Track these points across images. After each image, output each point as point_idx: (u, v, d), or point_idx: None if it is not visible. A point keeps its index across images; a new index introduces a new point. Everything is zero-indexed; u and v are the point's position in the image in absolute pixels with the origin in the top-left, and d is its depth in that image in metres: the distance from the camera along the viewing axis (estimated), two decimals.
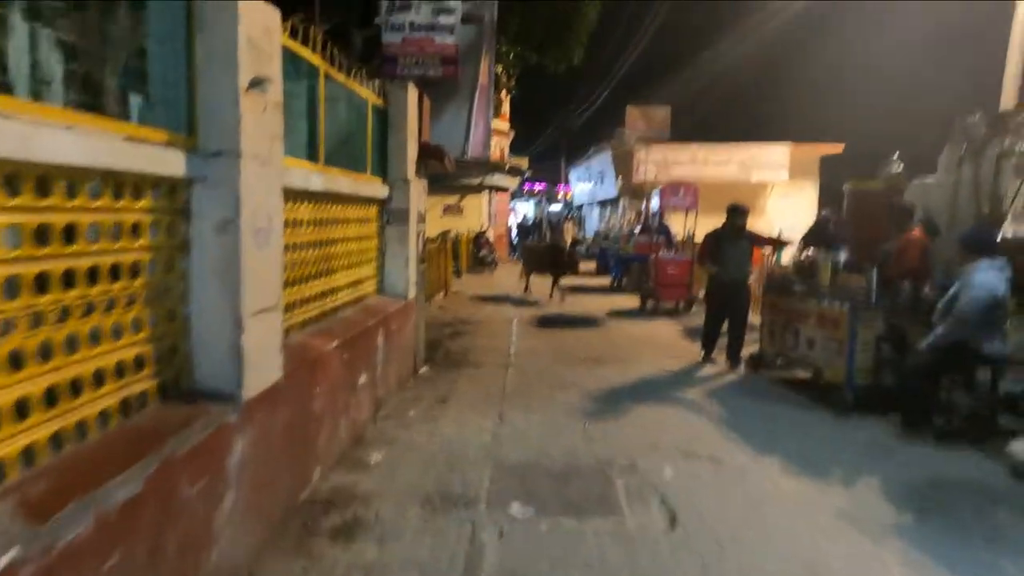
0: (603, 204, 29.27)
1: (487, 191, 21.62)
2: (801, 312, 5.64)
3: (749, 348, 6.64)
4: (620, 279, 14.01)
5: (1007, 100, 10.64)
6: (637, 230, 15.27)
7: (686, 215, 11.29)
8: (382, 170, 5.31)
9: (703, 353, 6.54)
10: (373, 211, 5.17)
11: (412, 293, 5.71)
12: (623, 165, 23.41)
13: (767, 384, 5.96)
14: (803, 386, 5.74)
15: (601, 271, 17.46)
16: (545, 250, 12.26)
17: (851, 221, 6.91)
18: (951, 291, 4.37)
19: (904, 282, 4.96)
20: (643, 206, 19.25)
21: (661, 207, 10.63)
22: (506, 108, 22.15)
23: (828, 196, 24.98)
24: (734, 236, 6.34)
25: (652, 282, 10.71)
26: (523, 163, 27.36)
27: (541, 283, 12.03)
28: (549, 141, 42.61)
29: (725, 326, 6.52)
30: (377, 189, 5.11)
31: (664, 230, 13.48)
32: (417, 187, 5.73)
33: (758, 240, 6.70)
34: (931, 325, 4.76)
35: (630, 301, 11.56)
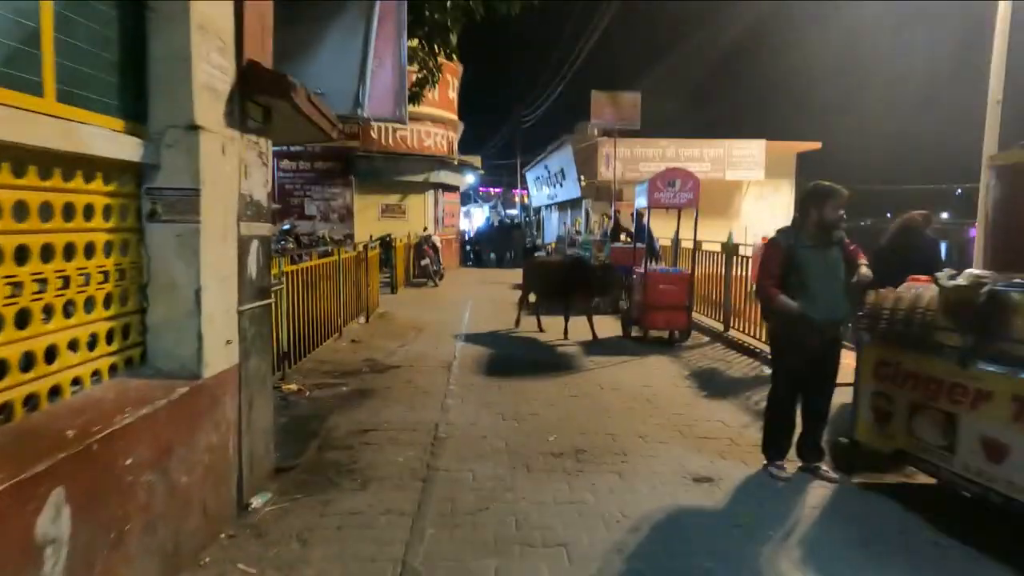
0: (563, 207, 26.75)
1: (433, 190, 18.76)
2: (965, 389, 3.03)
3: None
4: None
5: (994, 95, 8.84)
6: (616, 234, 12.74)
7: (679, 216, 8.70)
8: (128, 106, 2.43)
9: (769, 457, 3.79)
10: (100, 191, 2.28)
11: (226, 361, 2.84)
12: (586, 162, 20.90)
13: (890, 510, 3.32)
14: (949, 509, 3.13)
15: None
16: (560, 266, 8.78)
17: (1010, 212, 4.27)
18: None
19: None
20: (612, 207, 16.74)
21: (649, 205, 7.99)
22: (453, 95, 19.34)
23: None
24: (821, 243, 3.67)
25: (639, 303, 8.07)
26: (475, 161, 24.59)
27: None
28: (504, 140, 40.11)
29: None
30: (103, 142, 2.22)
31: (647, 233, 10.90)
32: (233, 147, 2.87)
33: (855, 259, 3.84)
34: None
35: (607, 325, 8.87)
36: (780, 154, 20.84)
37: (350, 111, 4.30)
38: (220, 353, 2.79)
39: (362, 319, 9.00)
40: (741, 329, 8.18)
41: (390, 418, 4.72)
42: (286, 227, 15.62)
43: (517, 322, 8.90)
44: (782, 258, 3.66)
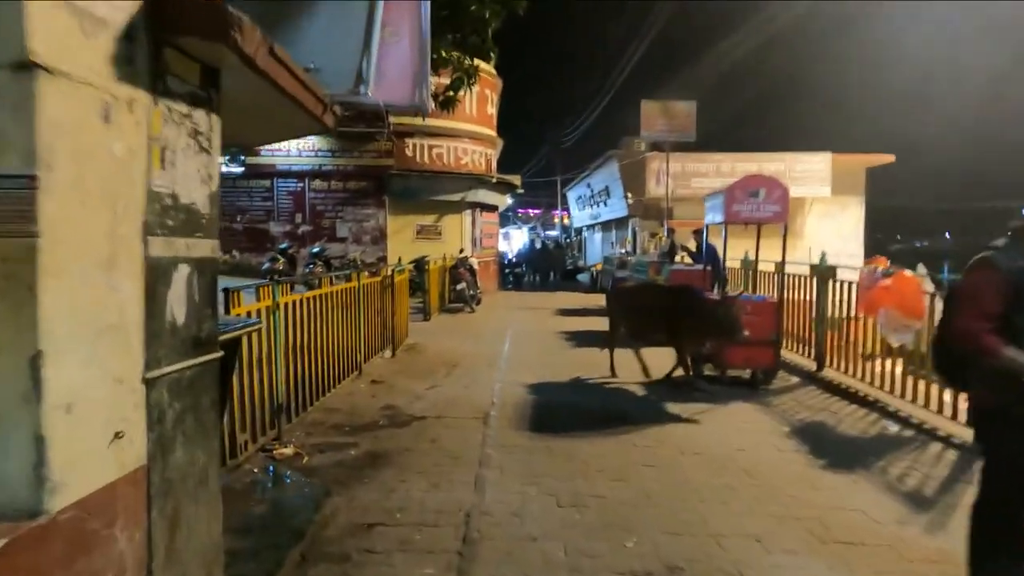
0: (607, 227, 25.48)
1: (470, 210, 17.76)
2: None
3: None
4: None
5: None
6: (672, 254, 11.44)
7: (759, 234, 7.35)
8: None
9: None
10: None
11: (114, 468, 1.70)
12: (633, 179, 19.63)
13: None
14: None
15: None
16: (663, 296, 6.74)
17: None
18: None
19: None
20: (664, 226, 15.42)
21: (726, 219, 6.68)
22: (492, 111, 18.41)
23: (876, 215, 21.34)
24: None
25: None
26: (515, 180, 23.61)
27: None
28: (543, 161, 39.22)
29: None
30: None
31: (711, 255, 9.58)
32: (132, 115, 1.76)
33: None
34: None
35: (665, 359, 7.47)
36: (848, 168, 19.16)
37: (351, 90, 3.20)
38: (98, 459, 1.65)
39: (388, 353, 7.90)
40: (840, 368, 6.76)
41: (406, 502, 3.52)
42: (315, 250, 14.81)
43: (612, 370, 6.93)
44: (1004, 289, 2.33)
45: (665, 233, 13.80)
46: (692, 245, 10.10)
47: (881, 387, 5.87)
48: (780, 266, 7.01)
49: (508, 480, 3.87)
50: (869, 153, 19.70)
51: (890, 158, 19.42)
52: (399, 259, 11.01)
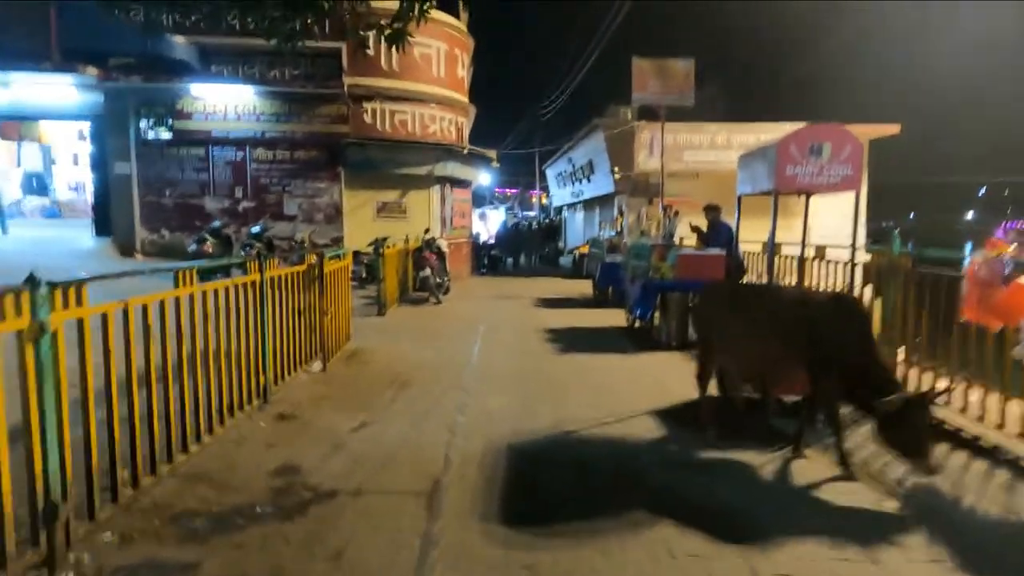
0: (590, 205, 23.60)
1: (439, 185, 15.70)
2: None
3: None
4: (647, 319, 8.21)
5: None
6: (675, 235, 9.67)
7: (807, 205, 5.56)
8: None
9: None
10: None
11: None
12: (620, 151, 17.73)
13: None
14: None
15: (601, 299, 11.68)
16: (803, 312, 3.85)
17: None
18: None
19: None
20: (660, 203, 13.63)
21: (776, 187, 4.84)
22: (463, 74, 16.26)
23: (880, 194, 19.82)
24: None
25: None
26: (490, 153, 21.53)
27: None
28: (520, 137, 37.12)
29: None
30: None
31: (726, 235, 7.87)
32: None
33: None
34: None
35: (676, 371, 5.65)
36: None
37: None
38: None
39: (316, 365, 5.96)
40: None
41: None
42: (256, 229, 12.64)
43: (702, 409, 4.47)
44: None
45: (661, 211, 11.99)
46: (703, 224, 8.29)
47: (1001, 427, 4.13)
48: (847, 251, 5.22)
49: None
50: (872, 124, 18.05)
51: (895, 128, 17.84)
52: (380, 238, 8.99)
